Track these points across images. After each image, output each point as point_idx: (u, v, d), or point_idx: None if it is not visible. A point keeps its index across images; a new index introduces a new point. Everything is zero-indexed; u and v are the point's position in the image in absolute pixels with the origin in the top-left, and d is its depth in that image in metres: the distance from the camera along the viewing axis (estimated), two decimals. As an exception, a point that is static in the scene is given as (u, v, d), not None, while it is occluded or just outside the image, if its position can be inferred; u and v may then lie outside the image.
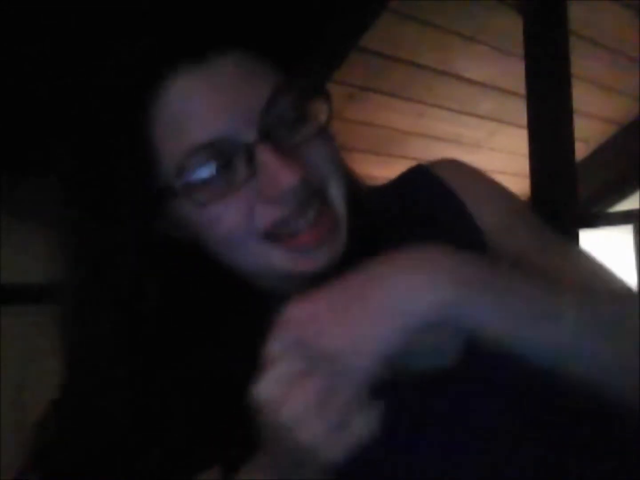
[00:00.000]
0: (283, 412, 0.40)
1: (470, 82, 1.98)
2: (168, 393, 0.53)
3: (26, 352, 1.30)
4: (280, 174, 0.50)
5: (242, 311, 0.55)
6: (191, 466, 0.50)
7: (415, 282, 0.42)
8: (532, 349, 0.44)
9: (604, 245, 2.34)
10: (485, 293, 0.43)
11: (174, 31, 0.52)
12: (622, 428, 0.50)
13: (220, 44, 0.51)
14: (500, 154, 2.33)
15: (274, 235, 0.53)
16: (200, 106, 0.50)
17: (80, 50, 0.55)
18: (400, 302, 0.42)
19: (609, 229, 2.32)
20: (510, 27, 1.66)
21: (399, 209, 0.64)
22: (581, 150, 2.39)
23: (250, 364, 0.42)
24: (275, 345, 0.42)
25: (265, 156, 0.50)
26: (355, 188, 0.61)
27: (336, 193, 0.55)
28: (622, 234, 2.41)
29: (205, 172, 0.51)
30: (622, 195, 2.59)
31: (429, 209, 0.64)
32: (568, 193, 1.25)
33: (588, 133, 2.39)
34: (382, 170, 1.79)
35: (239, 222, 0.52)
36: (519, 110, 1.45)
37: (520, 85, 1.36)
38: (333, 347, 0.41)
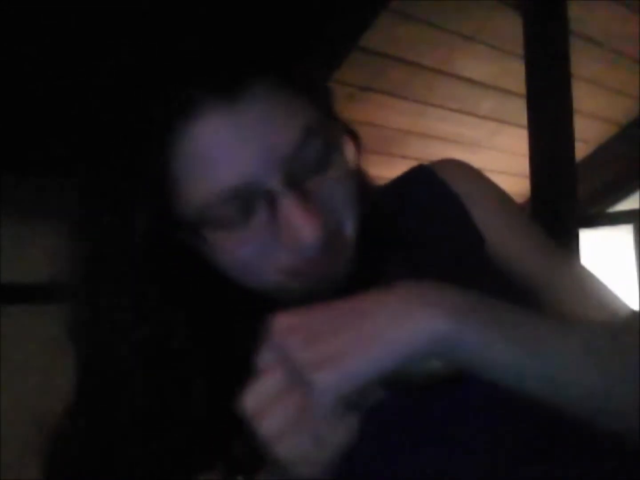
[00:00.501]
0: (263, 426, 0.40)
1: (470, 82, 1.98)
2: (169, 393, 0.53)
3: (26, 352, 1.30)
4: (301, 231, 0.49)
5: (243, 312, 0.55)
6: (192, 467, 0.50)
7: (411, 312, 0.42)
8: (525, 382, 0.44)
9: (604, 245, 2.34)
10: (480, 326, 0.43)
11: (198, 65, 0.49)
12: (621, 445, 0.50)
13: (245, 75, 0.49)
14: (501, 154, 2.33)
15: (288, 272, 0.53)
16: (227, 148, 0.49)
17: (110, 80, 0.54)
18: (393, 329, 0.41)
19: (609, 229, 2.33)
20: (510, 27, 1.67)
21: (399, 209, 0.64)
22: (581, 150, 2.39)
23: (251, 366, 0.42)
24: (264, 356, 0.42)
25: (288, 208, 0.49)
26: (366, 196, 0.59)
27: (351, 234, 0.54)
28: (622, 234, 2.41)
29: (225, 210, 0.50)
30: (622, 195, 2.59)
31: (429, 209, 0.64)
32: (568, 193, 1.25)
33: (588, 133, 2.39)
34: (382, 170, 1.79)
35: (254, 258, 0.51)
36: (519, 110, 1.45)
37: (520, 85, 1.37)
38: (314, 361, 0.40)
